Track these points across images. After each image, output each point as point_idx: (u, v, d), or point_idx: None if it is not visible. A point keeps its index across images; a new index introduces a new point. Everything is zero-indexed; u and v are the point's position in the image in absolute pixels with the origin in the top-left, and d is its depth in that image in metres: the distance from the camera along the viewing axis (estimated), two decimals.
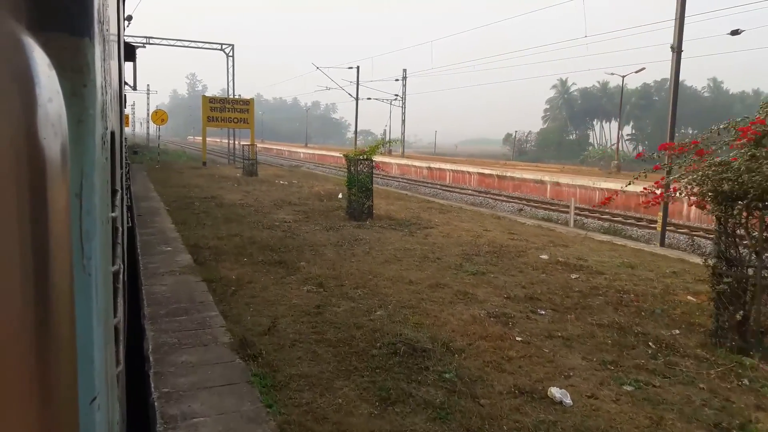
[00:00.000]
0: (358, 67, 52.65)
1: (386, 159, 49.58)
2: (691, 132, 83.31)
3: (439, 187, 35.88)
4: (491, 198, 30.40)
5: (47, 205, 0.61)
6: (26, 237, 0.58)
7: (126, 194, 5.35)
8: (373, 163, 14.27)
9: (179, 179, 23.19)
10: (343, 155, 15.23)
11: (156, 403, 4.18)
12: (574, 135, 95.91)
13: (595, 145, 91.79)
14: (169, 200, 15.91)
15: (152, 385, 4.47)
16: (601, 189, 29.07)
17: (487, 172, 37.60)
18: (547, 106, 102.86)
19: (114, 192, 1.85)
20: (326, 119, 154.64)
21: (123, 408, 2.45)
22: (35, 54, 0.62)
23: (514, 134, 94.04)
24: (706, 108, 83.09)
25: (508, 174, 35.78)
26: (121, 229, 2.50)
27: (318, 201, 17.31)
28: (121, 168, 3.16)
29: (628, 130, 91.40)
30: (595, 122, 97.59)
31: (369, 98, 55.05)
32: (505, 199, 30.16)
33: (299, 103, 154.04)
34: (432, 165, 43.77)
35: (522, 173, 35.18)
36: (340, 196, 18.34)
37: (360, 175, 14.03)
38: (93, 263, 1.14)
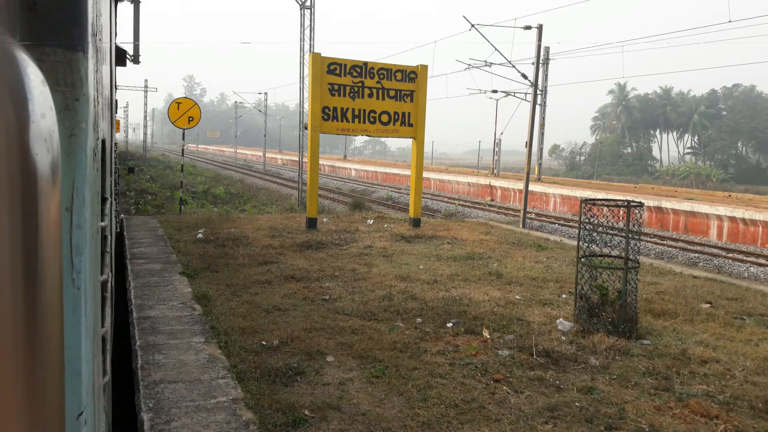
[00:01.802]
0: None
1: (449, 176, 39.07)
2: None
3: (534, 216, 24.66)
4: (657, 244, 19.43)
5: (38, 219, 0.61)
6: (17, 252, 0.58)
7: (115, 200, 5.12)
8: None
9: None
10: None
11: None
12: (632, 147, 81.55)
13: (660, 158, 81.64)
14: None
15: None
16: None
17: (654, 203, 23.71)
18: (597, 114, 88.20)
19: (104, 200, 1.86)
20: None
21: (109, 418, 2.32)
22: (29, 70, 0.62)
23: (574, 145, 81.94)
24: None
25: (664, 205, 23.17)
26: (109, 237, 2.40)
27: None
28: (111, 175, 3.13)
29: (689, 142, 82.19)
30: (656, 133, 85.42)
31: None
32: (684, 245, 19.35)
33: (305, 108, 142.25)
34: (505, 185, 31.81)
35: (694, 205, 22.39)
36: None
37: None
38: (82, 276, 1.14)
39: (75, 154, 1.13)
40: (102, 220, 1.74)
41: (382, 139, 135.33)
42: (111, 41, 3.40)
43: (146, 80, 55.36)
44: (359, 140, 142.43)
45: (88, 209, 1.20)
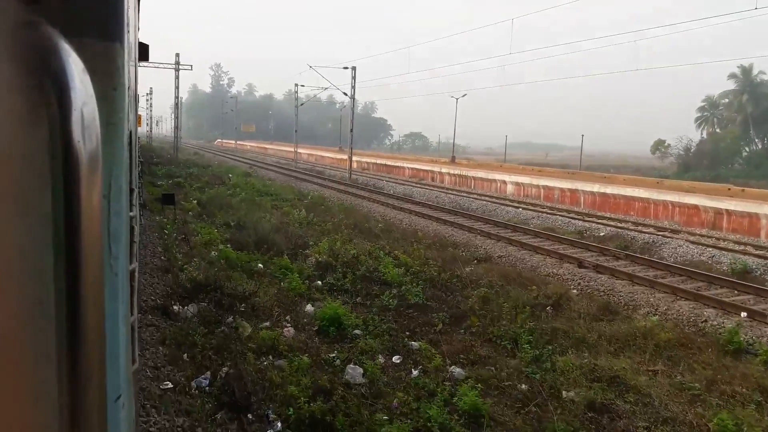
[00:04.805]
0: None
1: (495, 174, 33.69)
2: None
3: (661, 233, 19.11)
4: None
5: (80, 206, 0.63)
6: (60, 237, 0.60)
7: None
8: None
9: None
10: None
11: None
12: (758, 144, 65.33)
13: None
14: None
15: None
16: None
17: None
18: (704, 104, 71.55)
19: (130, 191, 1.88)
20: (367, 119, 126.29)
21: (136, 407, 2.33)
22: (71, 59, 0.63)
23: (688, 141, 65.82)
24: None
25: None
26: (136, 228, 2.46)
27: None
28: (136, 167, 3.26)
29: None
30: None
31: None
32: None
33: (334, 100, 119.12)
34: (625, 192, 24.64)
35: None
36: None
37: None
38: (120, 263, 1.15)
39: (112, 142, 1.14)
40: (130, 210, 1.76)
41: (423, 134, 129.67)
42: (135, 36, 3.54)
43: (177, 54, 40.34)
44: (396, 134, 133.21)
45: (124, 197, 1.22)
